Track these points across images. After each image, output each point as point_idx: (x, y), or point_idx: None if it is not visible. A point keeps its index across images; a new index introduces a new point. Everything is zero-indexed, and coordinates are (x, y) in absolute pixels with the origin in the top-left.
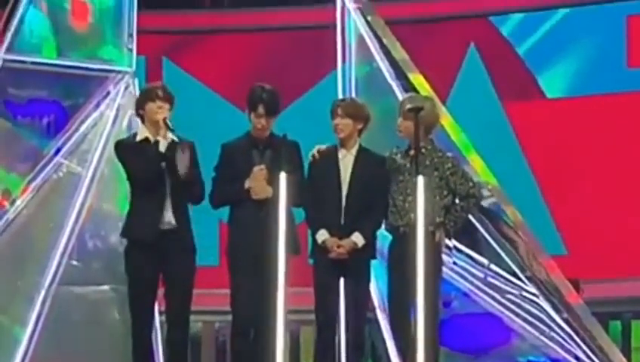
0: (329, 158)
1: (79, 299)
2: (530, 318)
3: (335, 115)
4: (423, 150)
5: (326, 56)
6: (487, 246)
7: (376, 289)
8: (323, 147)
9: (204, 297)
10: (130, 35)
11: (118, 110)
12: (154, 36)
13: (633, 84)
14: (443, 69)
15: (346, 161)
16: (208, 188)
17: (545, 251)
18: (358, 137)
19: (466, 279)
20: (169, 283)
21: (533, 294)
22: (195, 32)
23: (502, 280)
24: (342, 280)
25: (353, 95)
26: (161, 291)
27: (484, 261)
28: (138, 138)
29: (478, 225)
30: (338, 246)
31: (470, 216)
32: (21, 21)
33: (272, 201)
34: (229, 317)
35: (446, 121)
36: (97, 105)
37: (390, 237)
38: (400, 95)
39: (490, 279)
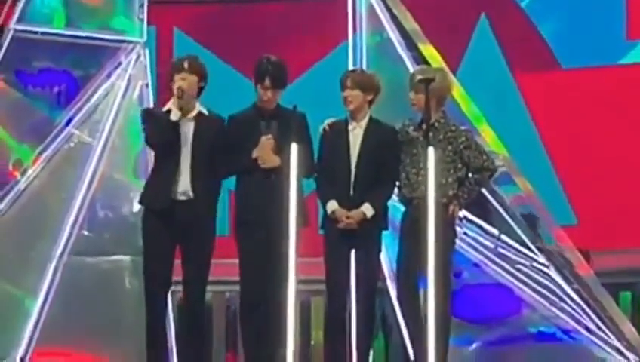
0: (339, 130)
1: (91, 269)
2: (540, 289)
3: (344, 87)
4: (436, 123)
5: (337, 26)
6: (497, 216)
7: (387, 260)
8: (332, 120)
9: (215, 266)
10: (141, 6)
11: (129, 80)
12: (164, 6)
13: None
14: (454, 39)
15: (356, 132)
16: None
17: (555, 221)
18: (368, 109)
19: (476, 249)
20: (186, 254)
21: (544, 265)
22: (206, 2)
23: (512, 250)
24: (352, 251)
25: (364, 66)
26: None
27: (495, 231)
28: (164, 108)
29: (488, 195)
30: (347, 217)
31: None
32: None
33: (281, 172)
34: (239, 287)
35: (456, 91)
36: (108, 76)
37: (402, 208)
38: (411, 66)
39: (500, 249)
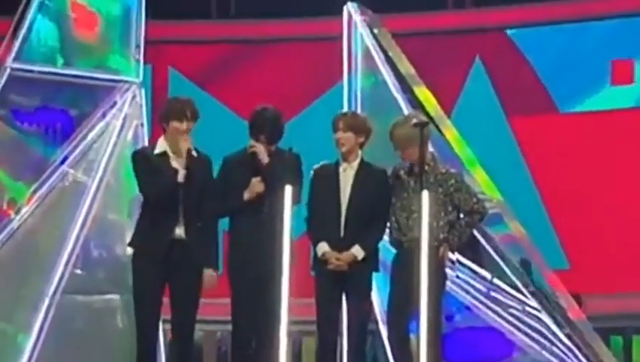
0: (329, 172)
1: (83, 308)
2: (532, 333)
3: (337, 129)
4: (426, 167)
5: (332, 68)
6: (489, 260)
7: (379, 301)
8: (322, 163)
9: (206, 306)
10: (138, 46)
11: (124, 120)
12: (160, 45)
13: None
14: (448, 82)
15: (347, 174)
16: None
17: (548, 265)
18: (359, 150)
19: (468, 293)
20: (176, 293)
21: (535, 308)
22: (202, 42)
23: (504, 294)
24: (344, 293)
25: (359, 107)
26: (166, 300)
27: (487, 275)
28: (157, 151)
29: (481, 238)
30: (337, 259)
31: (474, 230)
32: (29, 30)
33: (272, 207)
34: (231, 327)
35: (450, 134)
36: (104, 115)
37: (393, 250)
38: (405, 109)
39: (492, 293)
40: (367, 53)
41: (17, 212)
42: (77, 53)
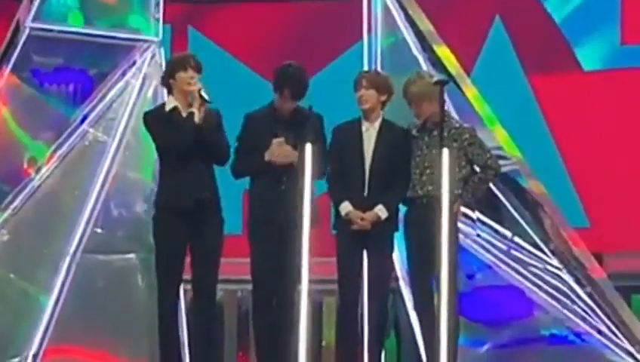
0: (352, 131)
1: (104, 267)
2: (553, 291)
3: (359, 87)
4: None
5: (352, 27)
6: (511, 218)
7: (399, 260)
8: (347, 121)
9: (227, 266)
10: (157, 4)
11: (144, 79)
12: (179, 4)
13: None
14: (468, 40)
15: (369, 133)
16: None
17: (568, 224)
18: (381, 110)
19: (489, 251)
20: (198, 253)
21: (557, 267)
22: (221, 1)
23: (525, 252)
24: (365, 252)
25: (378, 67)
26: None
27: (508, 233)
28: (167, 108)
29: (502, 197)
30: (361, 219)
31: (494, 188)
32: None
33: (293, 175)
34: (251, 287)
35: (470, 92)
36: (123, 74)
37: (404, 208)
38: (425, 66)
39: (513, 251)
40: (386, 12)
41: (37, 171)
42: (96, 13)
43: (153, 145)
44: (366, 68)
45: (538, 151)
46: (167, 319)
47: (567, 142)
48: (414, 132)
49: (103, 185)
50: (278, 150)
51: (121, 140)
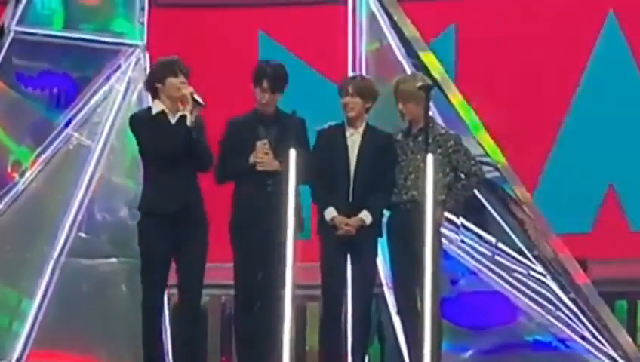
0: (336, 136)
1: (87, 272)
2: (537, 297)
3: (345, 93)
4: None
5: (337, 32)
6: (495, 224)
7: (383, 266)
8: (332, 124)
9: (210, 270)
10: (142, 9)
11: (128, 83)
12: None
13: None
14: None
15: (354, 138)
16: None
17: (552, 230)
18: (365, 115)
19: (473, 257)
20: (183, 258)
21: (541, 273)
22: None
23: (509, 258)
24: (349, 256)
25: (363, 71)
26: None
27: (492, 239)
28: (154, 112)
29: (486, 203)
30: (346, 224)
31: (479, 195)
32: None
33: (279, 179)
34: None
35: (455, 99)
36: (108, 79)
37: (388, 213)
38: (410, 72)
39: (497, 257)
40: (372, 18)
41: (22, 175)
42: (81, 17)
43: (137, 151)
44: (350, 73)
45: None
46: (151, 323)
47: None
48: (399, 136)
49: (87, 190)
50: (262, 151)
51: (105, 144)
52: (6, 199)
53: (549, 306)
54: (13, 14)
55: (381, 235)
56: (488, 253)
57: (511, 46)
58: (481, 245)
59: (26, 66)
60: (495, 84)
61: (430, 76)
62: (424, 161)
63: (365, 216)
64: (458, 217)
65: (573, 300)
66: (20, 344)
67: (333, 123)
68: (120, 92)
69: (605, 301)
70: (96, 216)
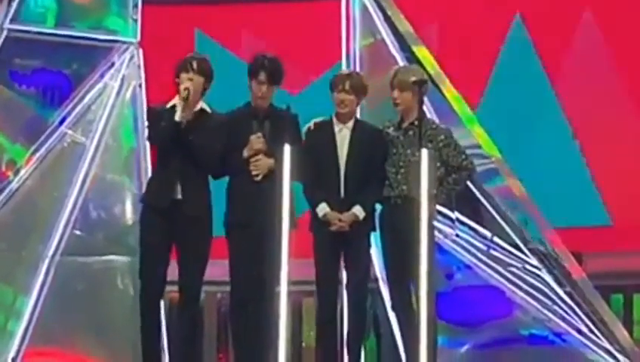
0: (325, 132)
1: (83, 269)
2: (532, 291)
3: (341, 90)
4: (416, 122)
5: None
6: (490, 218)
7: (378, 261)
8: (319, 120)
9: (207, 267)
10: (135, 6)
11: (122, 80)
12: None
13: None
14: None
15: (343, 133)
16: None
17: (548, 223)
18: (355, 110)
19: (468, 251)
20: (182, 254)
21: (536, 267)
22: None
23: (505, 252)
24: (342, 252)
25: (357, 67)
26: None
27: (487, 233)
28: (169, 105)
29: (481, 197)
30: (339, 220)
31: (473, 188)
32: None
33: (272, 177)
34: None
35: (449, 93)
36: (102, 76)
37: (379, 207)
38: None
39: (492, 251)
40: (365, 13)
41: (16, 173)
42: (74, 14)
43: (131, 147)
44: (344, 68)
45: None
46: (149, 317)
47: None
48: (391, 130)
49: (81, 187)
50: (257, 145)
51: (99, 142)
52: (0, 197)
53: (545, 300)
54: (7, 12)
55: (374, 229)
56: (483, 247)
57: None
58: (476, 239)
59: (20, 64)
60: None
61: (424, 70)
62: (414, 155)
63: (358, 211)
64: (453, 211)
65: (568, 293)
66: (16, 342)
67: (319, 119)
68: (114, 89)
69: (601, 294)
70: (91, 214)
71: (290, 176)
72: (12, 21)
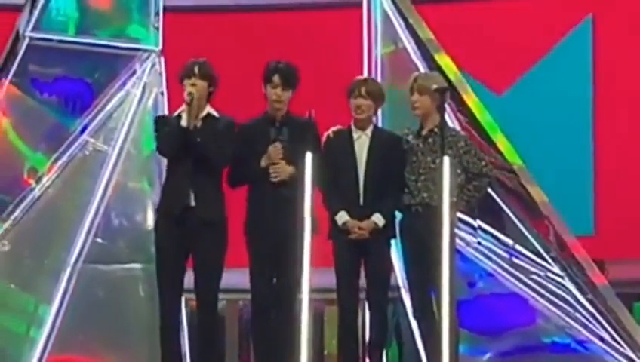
0: (344, 139)
1: (105, 277)
2: (554, 299)
3: (357, 95)
4: (436, 129)
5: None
6: (512, 226)
7: (400, 269)
8: (337, 128)
9: (227, 275)
10: (157, 14)
11: (144, 89)
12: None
13: None
14: None
15: (362, 141)
16: None
17: (570, 231)
18: (373, 117)
19: (490, 259)
20: (197, 261)
21: (558, 274)
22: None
23: (527, 260)
24: (362, 260)
25: (378, 75)
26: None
27: (509, 241)
28: (175, 113)
29: (503, 204)
30: (359, 228)
31: (495, 196)
32: None
33: (292, 184)
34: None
35: (471, 100)
36: (123, 84)
37: (399, 214)
38: None
39: (515, 259)
40: (386, 20)
41: (38, 181)
42: (96, 22)
43: (152, 154)
44: (365, 75)
45: None
46: (169, 329)
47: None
48: (410, 138)
49: (103, 195)
50: (276, 155)
51: (121, 150)
52: (23, 205)
53: (567, 308)
54: (28, 20)
55: (394, 236)
56: (506, 255)
57: None
58: (498, 247)
59: (42, 72)
60: None
61: (445, 78)
62: (434, 162)
63: (378, 219)
64: (475, 219)
65: (591, 301)
66: (38, 350)
67: (337, 127)
68: (136, 97)
69: (624, 302)
70: (112, 222)
71: (314, 183)
72: (34, 30)
